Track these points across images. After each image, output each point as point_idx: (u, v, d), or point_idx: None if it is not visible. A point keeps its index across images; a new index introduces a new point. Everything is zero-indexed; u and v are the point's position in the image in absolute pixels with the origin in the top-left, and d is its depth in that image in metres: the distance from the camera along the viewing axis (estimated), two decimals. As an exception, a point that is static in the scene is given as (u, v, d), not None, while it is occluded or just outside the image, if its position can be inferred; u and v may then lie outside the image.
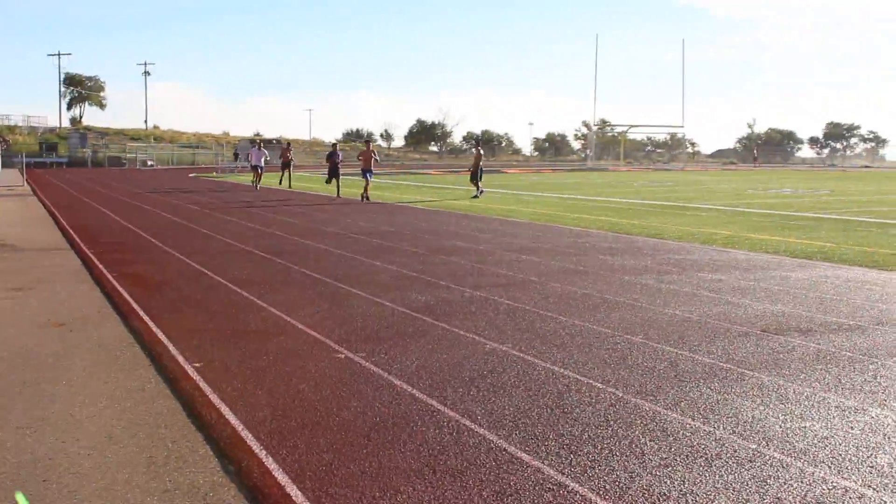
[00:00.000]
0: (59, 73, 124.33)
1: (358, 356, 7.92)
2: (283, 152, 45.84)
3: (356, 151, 45.09)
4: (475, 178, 35.84)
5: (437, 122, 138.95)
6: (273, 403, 6.48)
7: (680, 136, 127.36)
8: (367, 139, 39.55)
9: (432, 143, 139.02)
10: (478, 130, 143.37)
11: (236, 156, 79.36)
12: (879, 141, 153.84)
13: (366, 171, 32.23)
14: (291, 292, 11.33)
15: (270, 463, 5.25)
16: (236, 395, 6.69)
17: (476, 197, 34.43)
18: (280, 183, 43.31)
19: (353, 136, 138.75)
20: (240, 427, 5.92)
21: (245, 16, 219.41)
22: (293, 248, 16.53)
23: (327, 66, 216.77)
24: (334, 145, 38.68)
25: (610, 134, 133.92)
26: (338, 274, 12.95)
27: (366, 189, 32.23)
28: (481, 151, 37.24)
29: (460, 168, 79.40)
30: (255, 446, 5.54)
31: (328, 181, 36.39)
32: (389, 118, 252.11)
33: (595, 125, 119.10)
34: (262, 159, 43.02)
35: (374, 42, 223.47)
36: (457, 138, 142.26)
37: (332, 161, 36.24)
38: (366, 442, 5.65)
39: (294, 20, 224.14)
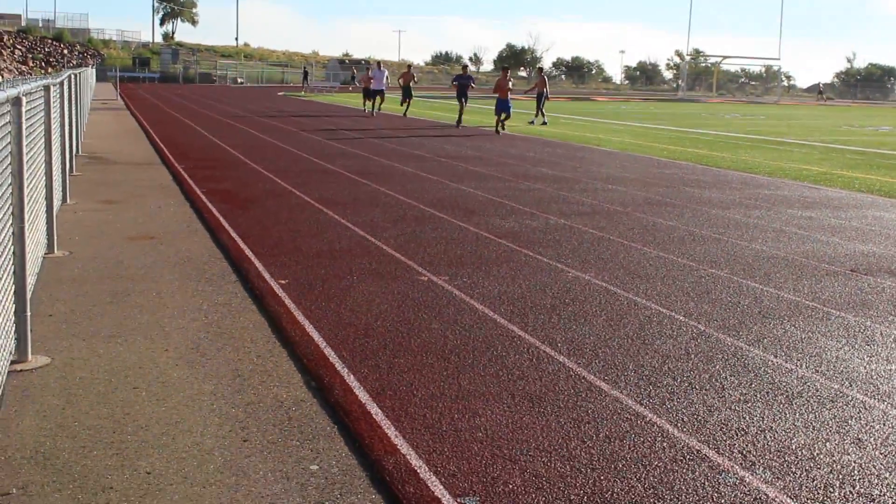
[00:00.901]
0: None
1: (441, 279, 7.97)
2: (404, 75, 38.10)
3: (452, 75, 38.67)
4: (539, 103, 34.43)
5: (527, 48, 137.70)
6: (356, 322, 6.57)
7: (775, 69, 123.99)
8: (505, 66, 32.45)
9: (522, 68, 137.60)
10: (568, 56, 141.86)
11: (306, 74, 76.88)
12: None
13: (502, 103, 28.34)
14: (376, 213, 11.41)
15: (352, 381, 5.34)
16: (320, 313, 6.80)
17: (533, 123, 33.48)
18: (405, 113, 36.48)
19: (441, 59, 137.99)
20: (323, 344, 6.02)
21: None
22: (380, 169, 16.60)
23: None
24: (465, 67, 34.13)
25: (703, 65, 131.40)
26: (424, 197, 13.00)
27: (501, 122, 28.50)
28: (545, 77, 35.54)
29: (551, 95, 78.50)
30: (338, 364, 5.64)
31: (460, 108, 31.19)
32: (479, 42, 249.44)
33: (688, 55, 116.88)
34: (384, 81, 36.57)
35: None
36: (547, 64, 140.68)
37: (461, 84, 31.25)
38: (446, 364, 5.71)
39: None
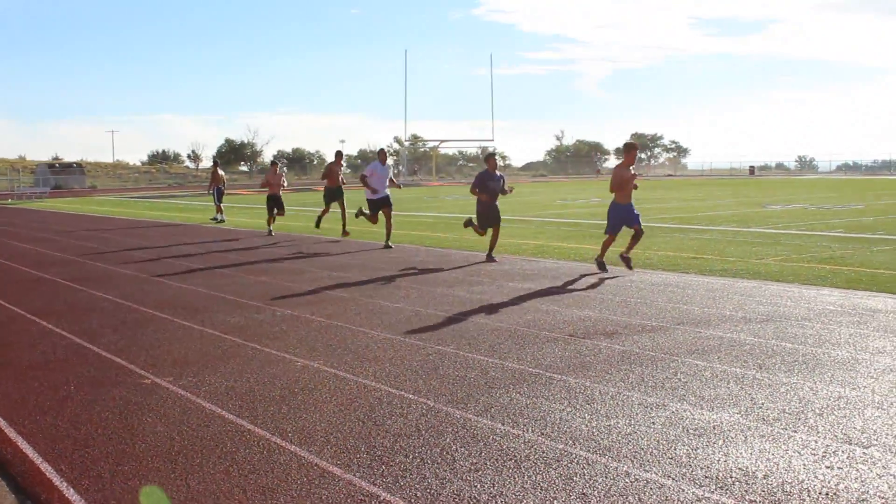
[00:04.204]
0: None
1: (165, 381, 7.71)
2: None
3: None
4: (219, 198, 32.17)
5: (246, 142, 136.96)
6: (74, 434, 6.24)
7: (491, 149, 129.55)
8: (632, 142, 16.14)
9: (242, 162, 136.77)
10: (288, 148, 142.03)
11: None
12: (681, 150, 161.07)
13: (624, 211, 15.34)
14: (95, 319, 10.94)
15: (72, 494, 5.04)
16: (35, 427, 6.41)
17: (216, 220, 31.38)
18: (319, 224, 25.09)
19: (158, 158, 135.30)
20: (39, 460, 5.67)
21: (40, 37, 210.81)
22: (97, 274, 15.98)
23: (129, 87, 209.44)
24: (491, 155, 18.16)
25: (422, 149, 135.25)
26: (145, 300, 12.60)
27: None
28: (219, 171, 33.17)
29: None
30: (56, 479, 5.32)
31: (472, 224, 18.26)
32: (197, 138, 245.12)
33: (406, 140, 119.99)
34: (387, 182, 20.53)
35: (178, 62, 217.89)
36: (267, 157, 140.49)
37: (489, 187, 17.37)
38: (173, 466, 5.50)
39: (93, 40, 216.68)
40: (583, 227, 25.24)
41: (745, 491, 4.97)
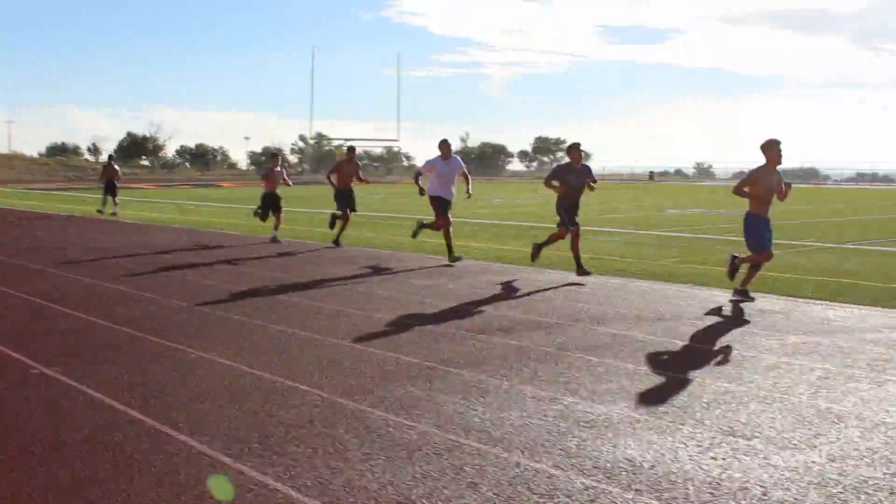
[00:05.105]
0: None
1: (53, 371, 7.55)
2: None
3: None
4: (110, 192, 31.43)
5: (148, 136, 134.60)
6: (-44, 423, 6.09)
7: (396, 149, 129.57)
8: (774, 138, 11.89)
9: (144, 157, 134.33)
10: (192, 144, 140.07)
11: None
12: (585, 156, 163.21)
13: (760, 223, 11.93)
14: (-16, 310, 10.69)
15: (-50, 484, 4.92)
16: (-85, 416, 6.24)
17: (114, 214, 30.74)
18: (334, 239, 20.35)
19: (57, 150, 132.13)
20: (-82, 449, 5.52)
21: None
22: (-12, 265, 15.59)
23: (27, 76, 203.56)
24: (575, 146, 15.78)
25: (327, 148, 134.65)
26: (36, 289, 12.32)
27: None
28: (115, 166, 32.14)
29: (173, 182, 77.67)
30: (-65, 468, 5.18)
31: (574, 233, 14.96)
32: (98, 131, 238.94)
33: (312, 139, 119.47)
34: (454, 181, 16.51)
35: (80, 52, 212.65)
36: (170, 152, 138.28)
37: (570, 186, 15.24)
38: (58, 455, 5.40)
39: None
40: (484, 226, 25.39)
41: (632, 480, 5.07)
